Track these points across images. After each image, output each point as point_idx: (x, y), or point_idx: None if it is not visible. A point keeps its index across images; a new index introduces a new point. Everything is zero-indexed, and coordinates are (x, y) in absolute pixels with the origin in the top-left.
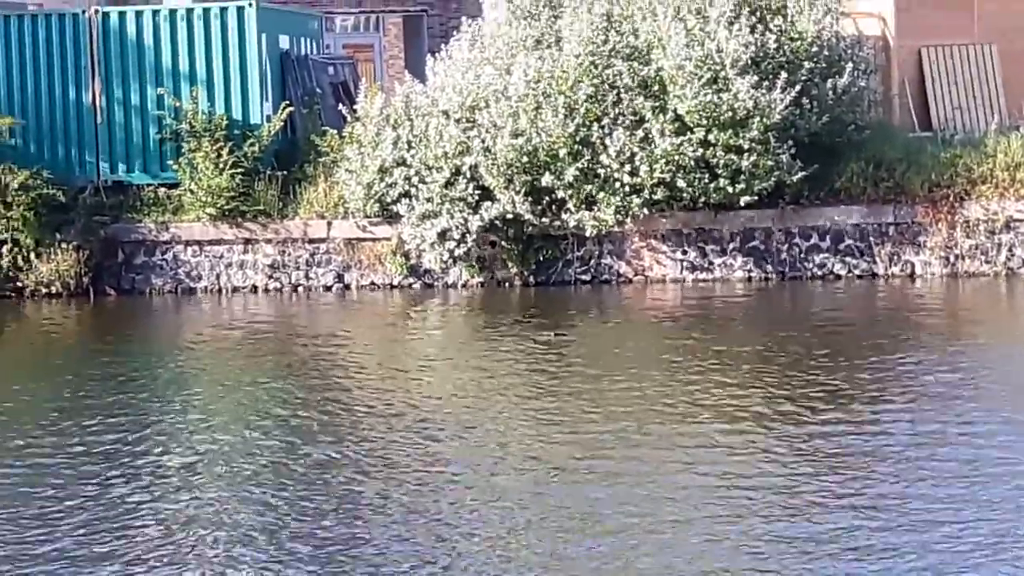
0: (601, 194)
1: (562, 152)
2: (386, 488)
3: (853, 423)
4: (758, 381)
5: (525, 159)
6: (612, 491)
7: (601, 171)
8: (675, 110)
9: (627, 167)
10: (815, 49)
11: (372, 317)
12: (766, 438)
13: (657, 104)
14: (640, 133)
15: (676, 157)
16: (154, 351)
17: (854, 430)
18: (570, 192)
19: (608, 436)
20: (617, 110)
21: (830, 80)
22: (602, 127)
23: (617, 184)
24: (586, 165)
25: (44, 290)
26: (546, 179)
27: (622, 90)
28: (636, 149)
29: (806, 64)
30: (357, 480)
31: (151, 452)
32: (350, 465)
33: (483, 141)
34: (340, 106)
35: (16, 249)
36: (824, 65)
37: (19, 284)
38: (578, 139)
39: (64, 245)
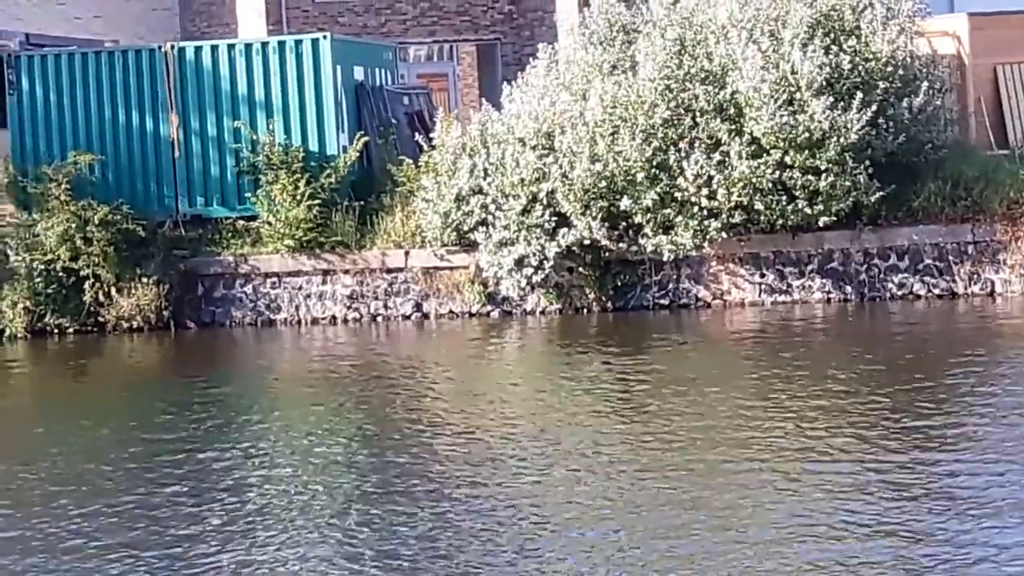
0: (679, 218)
1: (639, 176)
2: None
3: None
4: (854, 404)
5: (603, 184)
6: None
7: (678, 195)
8: (751, 132)
9: (704, 191)
10: (890, 69)
11: (454, 345)
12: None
13: (733, 127)
14: (717, 156)
15: (753, 180)
16: (243, 383)
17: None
18: (648, 217)
19: (714, 465)
20: (693, 133)
21: (905, 100)
22: (679, 151)
23: (695, 208)
24: (664, 189)
25: (125, 324)
26: (624, 203)
27: (698, 113)
28: (713, 172)
29: (881, 84)
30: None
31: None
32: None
33: (560, 167)
34: (416, 136)
35: (97, 284)
36: (899, 85)
37: (100, 319)
38: (655, 163)
39: (144, 279)
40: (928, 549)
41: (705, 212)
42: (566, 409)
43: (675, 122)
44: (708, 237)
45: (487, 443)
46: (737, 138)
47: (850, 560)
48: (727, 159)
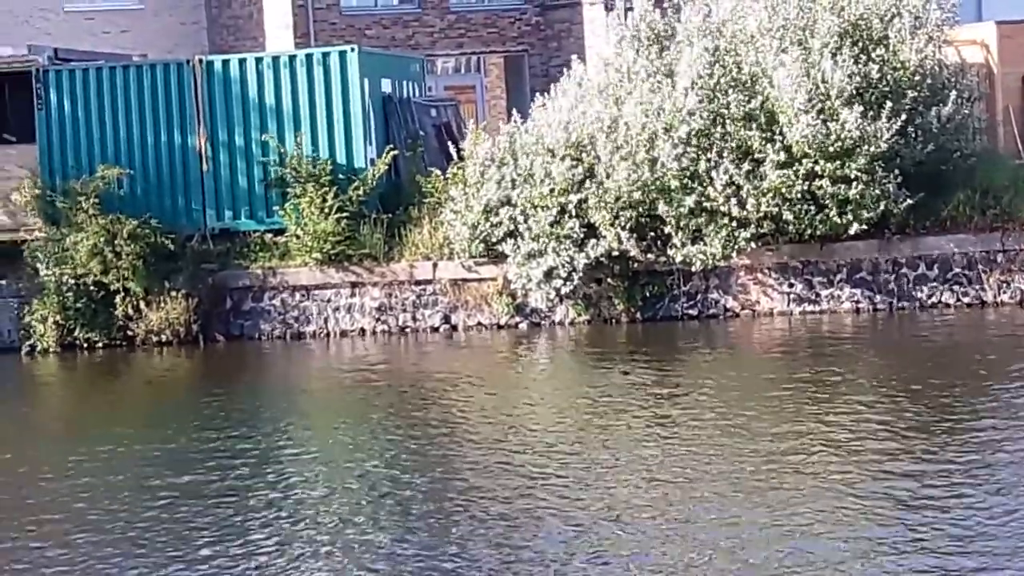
0: (710, 227)
1: (674, 184)
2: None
3: None
4: (892, 414)
5: (636, 193)
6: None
7: (708, 204)
8: (782, 142)
9: (734, 200)
10: (918, 78)
11: (484, 358)
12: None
13: (763, 135)
14: (746, 166)
15: (783, 190)
16: (275, 398)
17: None
18: (678, 226)
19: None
20: (723, 143)
21: (934, 108)
22: (708, 160)
23: (725, 218)
24: (695, 199)
25: (154, 338)
26: (661, 209)
27: (729, 122)
28: (743, 182)
29: (910, 93)
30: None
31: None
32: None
33: (593, 176)
34: (444, 148)
35: (126, 298)
36: (928, 94)
37: (129, 333)
38: (688, 173)
39: (173, 293)
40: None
41: (735, 222)
42: (606, 420)
43: (707, 131)
44: (737, 247)
45: (531, 455)
46: (769, 146)
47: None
48: (756, 168)
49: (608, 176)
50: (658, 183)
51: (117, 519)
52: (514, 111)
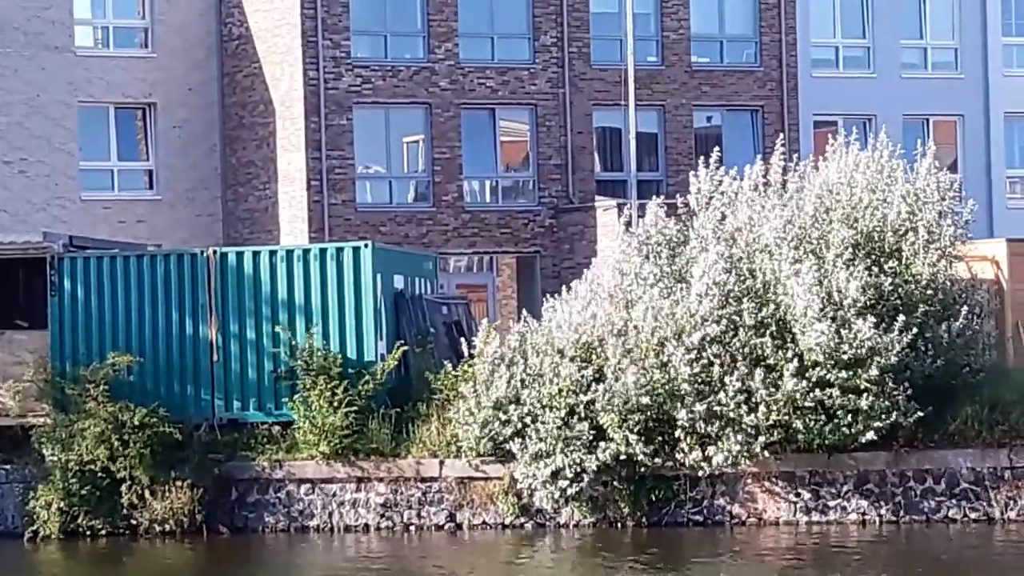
0: (727, 432)
1: (685, 387)
2: None
3: None
4: None
5: (645, 398)
6: None
7: (718, 408)
8: (794, 350)
9: (744, 407)
10: (930, 292)
11: (489, 560)
12: None
13: (775, 343)
14: (759, 373)
15: (797, 398)
16: None
17: None
18: (688, 431)
19: None
20: (736, 351)
21: (945, 323)
22: (722, 366)
23: (736, 424)
24: (706, 405)
25: (158, 528)
26: (681, 415)
27: (742, 330)
28: (757, 388)
29: (921, 306)
30: None
31: None
32: None
33: (603, 378)
34: (457, 344)
35: (132, 486)
36: (939, 308)
37: (133, 521)
38: (700, 379)
39: (179, 483)
40: None
41: (748, 429)
42: None
43: (720, 338)
44: (751, 453)
45: None
46: (780, 353)
47: None
48: (769, 376)
49: (617, 379)
50: (668, 387)
51: None
52: (524, 311)
